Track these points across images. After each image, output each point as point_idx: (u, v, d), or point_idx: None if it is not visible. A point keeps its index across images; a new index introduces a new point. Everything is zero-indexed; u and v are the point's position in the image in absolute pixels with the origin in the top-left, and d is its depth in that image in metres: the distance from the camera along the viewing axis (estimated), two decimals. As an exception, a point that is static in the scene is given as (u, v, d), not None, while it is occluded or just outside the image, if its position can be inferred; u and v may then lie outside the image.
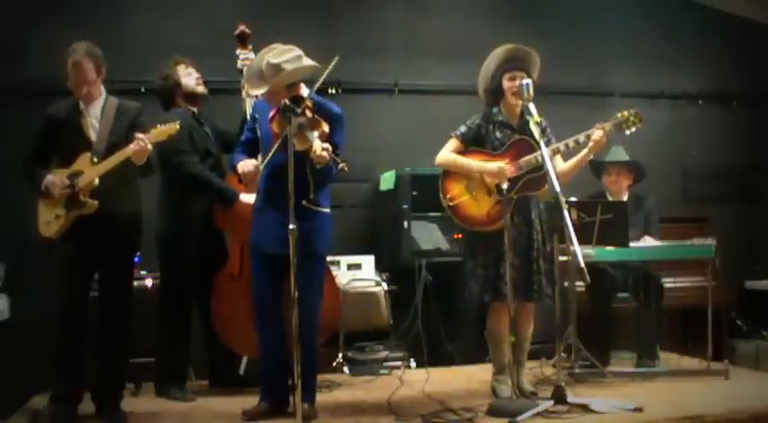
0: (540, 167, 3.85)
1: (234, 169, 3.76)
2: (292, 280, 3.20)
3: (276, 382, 3.73)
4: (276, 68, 3.50)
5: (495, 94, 4.03)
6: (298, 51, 3.58)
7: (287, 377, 3.63)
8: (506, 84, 3.96)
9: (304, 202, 3.54)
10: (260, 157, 3.80)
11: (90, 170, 3.60)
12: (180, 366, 4.32)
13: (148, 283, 4.58)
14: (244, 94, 4.32)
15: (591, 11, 6.34)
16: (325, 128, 3.49)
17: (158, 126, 3.57)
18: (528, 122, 3.79)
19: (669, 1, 6.55)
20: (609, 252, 4.33)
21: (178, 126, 3.59)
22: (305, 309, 3.43)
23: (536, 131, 3.72)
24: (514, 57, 4.00)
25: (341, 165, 3.38)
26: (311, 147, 3.39)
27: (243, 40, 4.41)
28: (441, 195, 4.01)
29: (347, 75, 5.50)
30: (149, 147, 3.54)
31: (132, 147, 3.51)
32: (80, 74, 3.63)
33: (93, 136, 3.69)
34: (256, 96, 3.97)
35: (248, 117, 4.08)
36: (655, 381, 4.35)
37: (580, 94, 6.17)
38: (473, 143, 4.02)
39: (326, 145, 3.39)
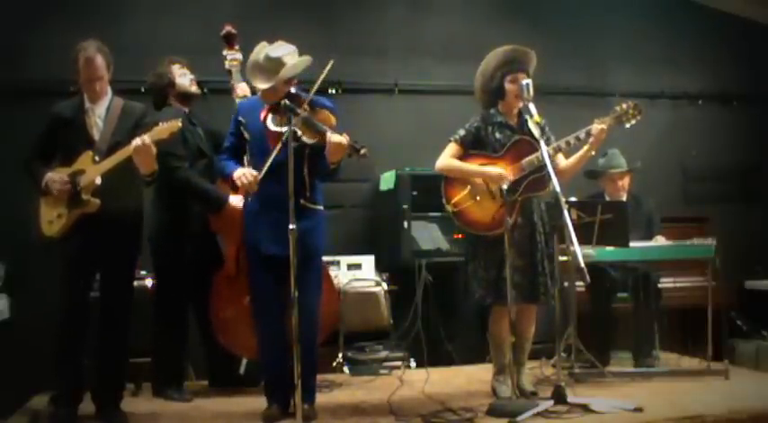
0: (542, 167, 3.84)
1: (225, 178, 3.69)
2: (292, 280, 3.20)
3: (280, 383, 3.71)
4: (278, 62, 3.50)
5: (495, 94, 4.02)
6: (291, 46, 3.58)
7: (287, 378, 3.62)
8: (509, 86, 3.94)
9: (301, 201, 3.53)
10: (246, 158, 3.79)
11: (92, 169, 3.60)
12: (176, 368, 4.31)
13: (148, 283, 4.58)
14: (234, 95, 4.33)
15: (591, 11, 6.35)
16: (333, 119, 3.49)
17: (160, 124, 3.56)
18: (527, 122, 3.78)
19: (669, 1, 6.56)
20: (609, 252, 4.33)
21: (180, 124, 3.57)
22: (306, 308, 3.43)
23: (536, 131, 3.72)
24: (515, 58, 3.99)
25: (363, 151, 3.36)
26: (323, 138, 3.39)
27: (229, 41, 4.42)
28: (444, 201, 3.99)
29: (347, 75, 5.51)
30: (152, 149, 3.51)
31: (133, 144, 3.48)
32: (92, 69, 3.63)
33: (96, 135, 3.68)
34: (245, 96, 4.00)
35: None
36: (655, 381, 4.35)
37: (580, 94, 6.17)
38: (473, 146, 4.00)
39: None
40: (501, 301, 3.86)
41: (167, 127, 3.53)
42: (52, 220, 3.68)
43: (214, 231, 4.30)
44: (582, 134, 3.88)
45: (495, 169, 3.89)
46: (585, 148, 3.90)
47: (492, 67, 4.02)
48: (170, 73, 4.30)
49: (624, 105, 3.89)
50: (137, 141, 3.48)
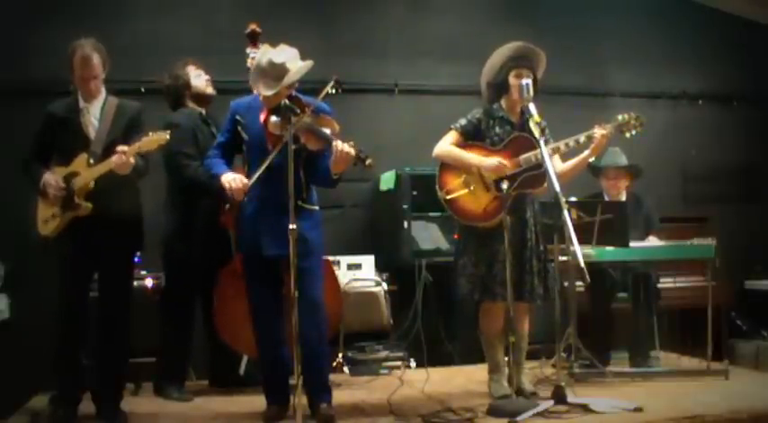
0: (539, 165, 3.83)
1: (212, 177, 3.65)
2: (293, 280, 3.19)
3: (280, 382, 3.71)
4: (281, 68, 3.49)
5: (499, 88, 4.01)
6: (293, 50, 3.58)
7: (288, 377, 3.62)
8: (512, 80, 3.93)
9: (299, 203, 3.51)
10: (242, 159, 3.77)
11: (86, 172, 3.59)
12: (180, 367, 4.32)
13: (148, 283, 4.58)
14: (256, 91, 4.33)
15: (591, 11, 6.35)
16: (336, 125, 3.48)
17: (150, 134, 3.54)
18: (528, 121, 3.78)
19: (669, 1, 6.56)
20: (609, 252, 4.33)
21: (168, 136, 3.55)
22: (311, 304, 3.44)
23: (536, 131, 3.72)
24: (523, 54, 3.99)
25: (368, 161, 3.35)
26: (328, 145, 3.38)
27: (253, 39, 4.42)
28: (437, 188, 3.98)
29: (347, 75, 5.47)
30: (131, 161, 3.50)
31: (114, 159, 3.48)
32: (88, 68, 3.63)
33: (91, 135, 3.67)
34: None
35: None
36: (655, 381, 4.35)
37: (580, 94, 6.18)
38: (472, 137, 4.00)
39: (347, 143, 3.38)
40: (488, 298, 3.88)
41: (155, 139, 3.52)
42: (47, 219, 3.68)
43: (224, 227, 4.29)
44: (582, 138, 3.87)
45: (492, 159, 3.87)
46: (586, 153, 3.91)
47: (499, 61, 4.02)
48: (186, 75, 4.33)
49: (627, 115, 3.89)
50: (119, 156, 3.46)
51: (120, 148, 3.49)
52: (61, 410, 3.67)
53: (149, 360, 4.32)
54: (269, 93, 3.50)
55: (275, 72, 3.49)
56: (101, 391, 3.76)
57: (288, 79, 3.50)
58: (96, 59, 3.64)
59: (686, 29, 6.51)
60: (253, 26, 4.42)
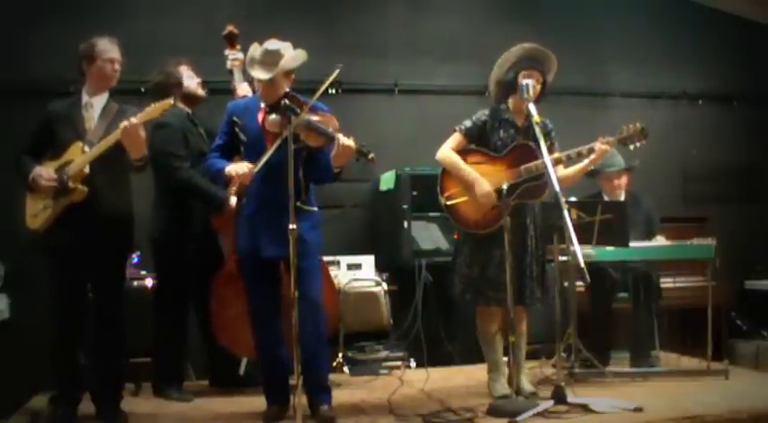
0: (540, 176, 3.82)
1: (215, 174, 3.65)
2: (293, 280, 3.19)
3: (280, 382, 3.71)
4: (276, 54, 3.50)
5: (507, 88, 4.00)
6: (287, 42, 3.58)
7: (288, 377, 3.62)
8: (522, 80, 3.90)
9: (298, 204, 3.50)
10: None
11: (80, 158, 3.55)
12: (177, 368, 4.31)
13: (148, 283, 4.57)
14: (236, 95, 4.33)
15: (591, 11, 6.35)
16: (336, 122, 3.48)
17: (152, 105, 3.53)
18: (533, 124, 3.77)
19: (669, 1, 6.56)
20: (609, 252, 4.33)
21: (171, 102, 3.55)
22: (310, 307, 3.44)
23: (539, 134, 3.69)
24: (534, 56, 3.99)
25: (371, 155, 3.36)
26: (330, 141, 3.38)
27: (231, 41, 4.43)
28: (438, 191, 3.98)
29: (347, 75, 5.43)
30: (142, 133, 3.48)
31: (121, 125, 3.45)
32: (113, 52, 3.68)
33: (91, 128, 3.67)
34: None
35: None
36: (655, 381, 4.35)
37: (580, 94, 6.17)
38: (477, 139, 3.99)
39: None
40: (480, 301, 3.90)
41: (159, 106, 3.51)
42: (37, 213, 3.64)
43: (215, 231, 4.30)
44: (584, 149, 3.88)
45: (486, 187, 3.85)
46: (585, 162, 3.92)
47: (510, 60, 4.01)
48: (177, 73, 4.30)
49: (631, 126, 3.88)
50: (124, 123, 3.45)
51: (127, 120, 3.47)
52: (61, 410, 3.67)
53: (149, 360, 4.31)
54: (266, 76, 3.50)
55: (270, 58, 3.50)
56: (100, 391, 3.75)
57: (284, 63, 3.50)
58: (118, 47, 3.70)
59: (686, 29, 6.51)
60: (230, 28, 4.43)
